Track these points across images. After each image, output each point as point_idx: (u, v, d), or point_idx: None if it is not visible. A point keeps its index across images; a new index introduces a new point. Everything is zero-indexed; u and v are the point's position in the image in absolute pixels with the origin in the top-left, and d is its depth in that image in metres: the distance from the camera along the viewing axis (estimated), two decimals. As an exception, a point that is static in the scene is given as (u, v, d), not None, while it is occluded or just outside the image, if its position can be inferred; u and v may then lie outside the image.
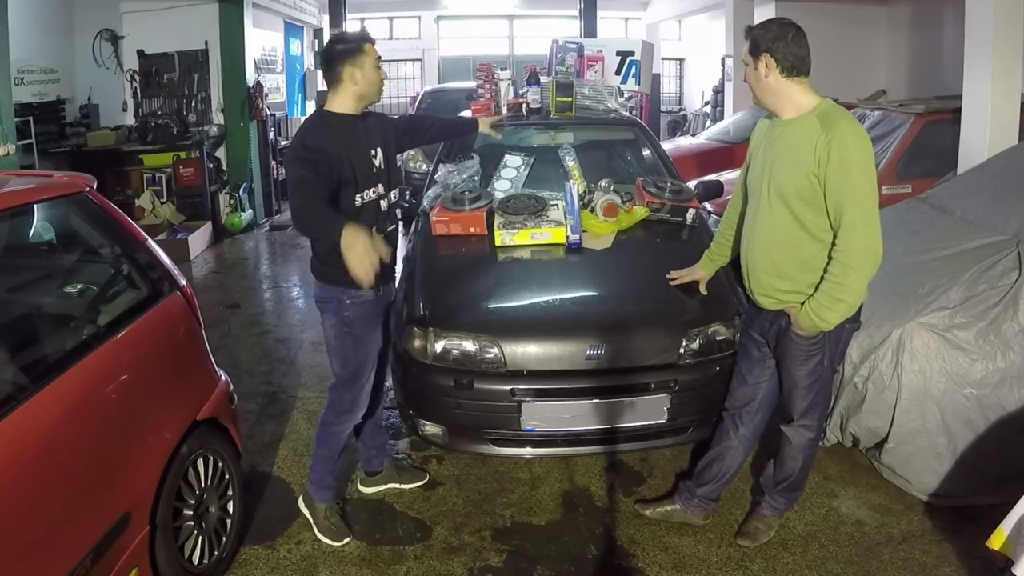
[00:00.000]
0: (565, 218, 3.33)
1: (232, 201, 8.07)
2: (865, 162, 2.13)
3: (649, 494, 2.98)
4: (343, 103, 2.49)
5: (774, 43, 2.21)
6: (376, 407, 2.90)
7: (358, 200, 2.48)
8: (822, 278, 2.22)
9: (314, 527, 2.73)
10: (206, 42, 8.00)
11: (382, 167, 2.59)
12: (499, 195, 3.62)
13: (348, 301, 2.52)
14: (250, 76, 8.20)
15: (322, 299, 2.59)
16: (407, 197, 3.77)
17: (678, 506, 2.78)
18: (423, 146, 3.42)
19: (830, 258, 2.20)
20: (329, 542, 2.70)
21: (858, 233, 2.12)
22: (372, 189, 2.53)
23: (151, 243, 2.56)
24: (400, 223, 2.77)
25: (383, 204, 2.58)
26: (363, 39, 2.49)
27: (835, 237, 2.18)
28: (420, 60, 15.41)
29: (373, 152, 2.56)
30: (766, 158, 2.34)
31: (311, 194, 2.26)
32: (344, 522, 2.78)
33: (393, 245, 2.67)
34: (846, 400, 2.99)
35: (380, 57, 2.53)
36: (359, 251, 2.04)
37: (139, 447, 2.15)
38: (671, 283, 2.92)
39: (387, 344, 2.79)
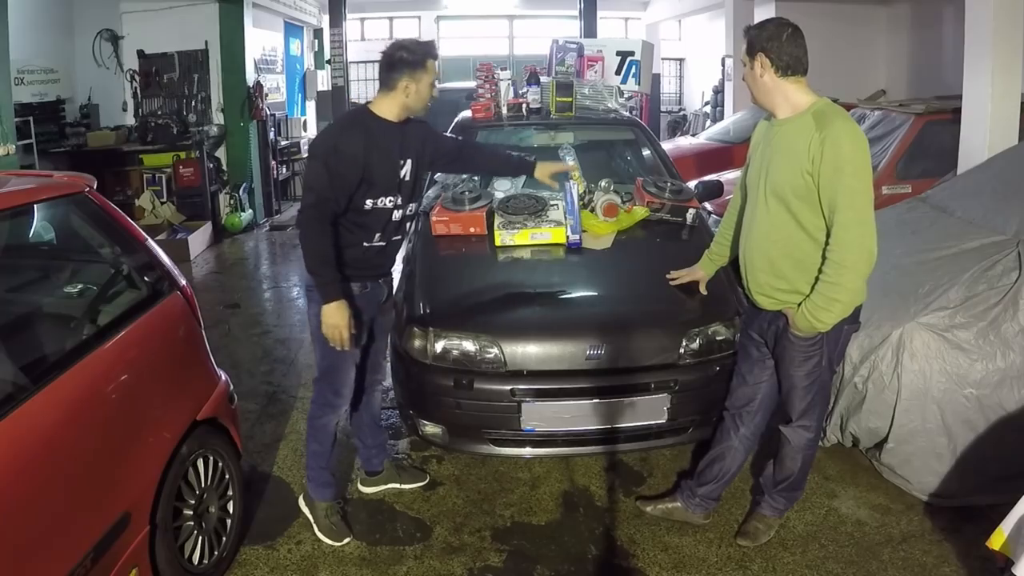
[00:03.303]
0: (565, 218, 3.33)
1: (232, 201, 8.07)
2: (859, 161, 2.13)
3: (649, 494, 2.98)
4: (388, 109, 2.48)
5: (769, 42, 2.21)
6: (372, 405, 2.90)
7: (369, 204, 2.47)
8: (817, 278, 2.22)
9: (314, 526, 2.73)
10: (206, 42, 8.01)
11: (407, 179, 2.55)
12: (499, 195, 3.62)
13: None
14: (250, 76, 8.20)
15: (310, 286, 2.57)
16: None
17: (679, 504, 2.78)
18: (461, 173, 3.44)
19: (824, 258, 2.20)
20: (329, 542, 2.70)
21: (851, 232, 2.12)
22: (389, 198, 2.50)
23: (151, 243, 2.56)
24: (404, 234, 2.75)
25: (396, 214, 2.55)
26: (428, 54, 2.47)
27: (828, 236, 2.18)
28: (420, 60, 15.40)
29: (402, 162, 2.52)
30: (763, 158, 2.34)
31: (322, 211, 2.38)
32: (344, 522, 2.78)
33: (390, 254, 2.67)
34: (846, 400, 2.98)
35: (438, 77, 2.52)
36: (333, 327, 2.40)
37: (139, 447, 2.15)
38: (671, 283, 2.93)
39: (376, 342, 2.78)
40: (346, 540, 2.71)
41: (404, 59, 2.43)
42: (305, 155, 9.97)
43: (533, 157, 3.05)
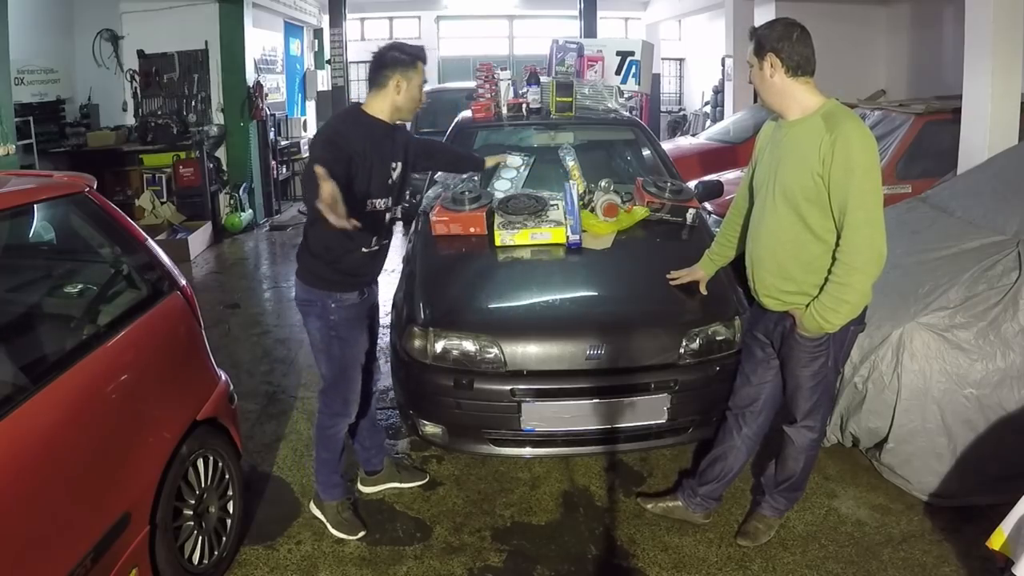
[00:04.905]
0: (565, 218, 3.33)
1: (232, 201, 8.07)
2: (869, 162, 2.13)
3: (649, 493, 2.98)
4: (380, 108, 2.51)
5: (779, 42, 2.21)
6: (368, 406, 2.90)
7: (368, 205, 2.49)
8: (826, 279, 2.22)
9: (328, 525, 2.75)
10: (206, 42, 8.01)
11: (396, 181, 2.60)
12: (499, 195, 3.62)
13: (333, 305, 2.54)
14: (250, 76, 8.20)
15: (306, 301, 2.59)
16: (407, 197, 3.78)
17: (680, 503, 2.78)
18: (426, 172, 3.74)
19: (834, 259, 2.20)
20: (346, 537, 2.72)
21: (861, 233, 2.12)
22: (383, 200, 2.53)
23: (151, 243, 2.56)
24: (392, 236, 2.78)
25: (386, 216, 2.59)
26: (418, 56, 2.51)
27: (839, 237, 2.18)
28: (420, 60, 15.38)
29: (394, 165, 2.56)
30: (771, 159, 2.34)
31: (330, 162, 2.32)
32: (357, 516, 2.80)
33: (383, 258, 2.70)
34: (846, 400, 2.98)
35: (426, 81, 2.56)
36: (325, 194, 2.02)
37: (139, 447, 2.15)
38: (671, 283, 2.93)
39: (373, 345, 2.81)
40: (361, 533, 2.73)
41: (397, 58, 2.47)
42: (305, 155, 9.99)
43: (481, 157, 3.49)
